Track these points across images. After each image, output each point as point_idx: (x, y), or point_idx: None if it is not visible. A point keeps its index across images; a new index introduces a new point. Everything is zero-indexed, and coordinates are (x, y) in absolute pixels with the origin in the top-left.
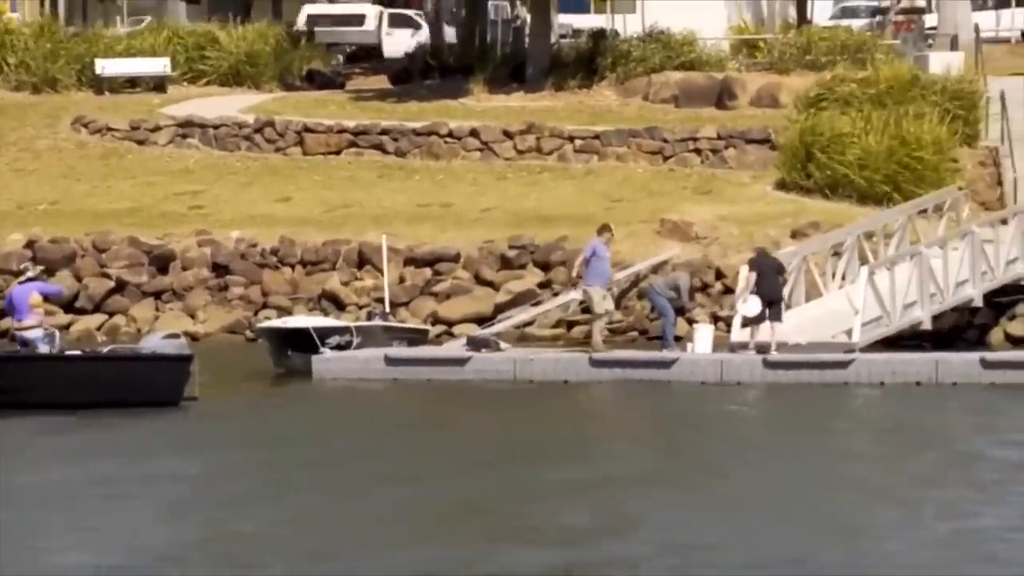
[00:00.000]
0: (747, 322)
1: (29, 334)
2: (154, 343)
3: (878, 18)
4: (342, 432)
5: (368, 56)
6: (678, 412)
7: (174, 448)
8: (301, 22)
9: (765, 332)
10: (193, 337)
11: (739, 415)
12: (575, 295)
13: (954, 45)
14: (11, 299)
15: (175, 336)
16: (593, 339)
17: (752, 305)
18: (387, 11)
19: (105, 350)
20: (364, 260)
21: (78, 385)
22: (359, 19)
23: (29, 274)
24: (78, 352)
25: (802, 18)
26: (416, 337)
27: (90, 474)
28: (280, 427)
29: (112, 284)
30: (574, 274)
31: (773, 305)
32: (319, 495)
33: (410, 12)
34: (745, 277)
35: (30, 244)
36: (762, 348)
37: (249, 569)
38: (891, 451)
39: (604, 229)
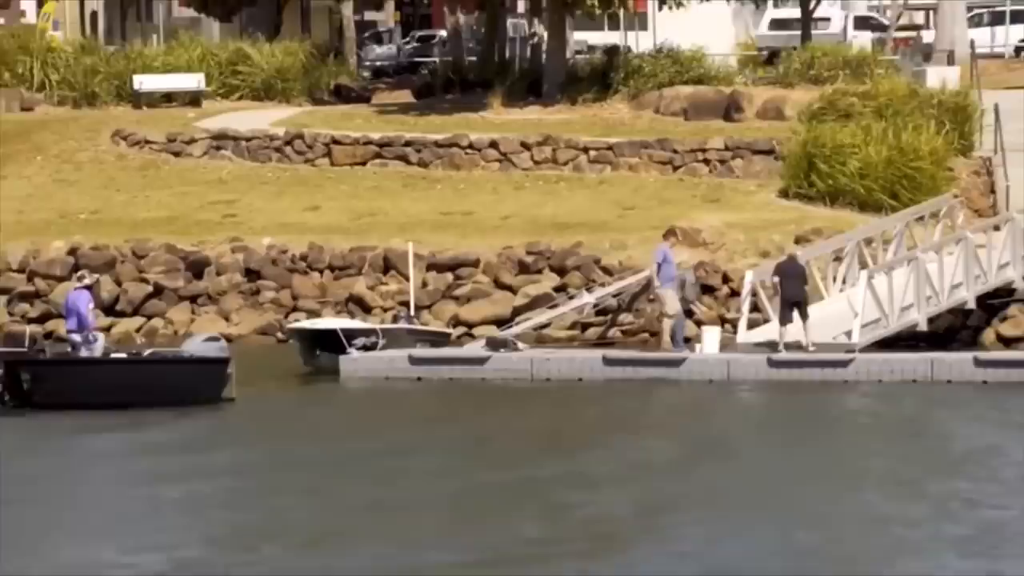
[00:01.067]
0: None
1: (74, 337)
2: (195, 345)
3: (878, 35)
4: (378, 428)
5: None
6: (690, 407)
7: (220, 445)
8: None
9: (797, 331)
10: (227, 339)
11: (749, 410)
12: (588, 299)
13: (950, 60)
14: (66, 303)
15: (215, 339)
16: (663, 338)
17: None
18: None
19: (146, 353)
20: (389, 265)
21: (121, 387)
22: None
23: (86, 281)
24: (123, 355)
25: (806, 34)
26: (438, 339)
27: (150, 470)
28: (316, 423)
29: (150, 289)
30: (649, 273)
31: (799, 306)
32: (374, 487)
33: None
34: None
35: (73, 251)
36: (795, 347)
37: (331, 554)
38: (901, 444)
39: (669, 234)
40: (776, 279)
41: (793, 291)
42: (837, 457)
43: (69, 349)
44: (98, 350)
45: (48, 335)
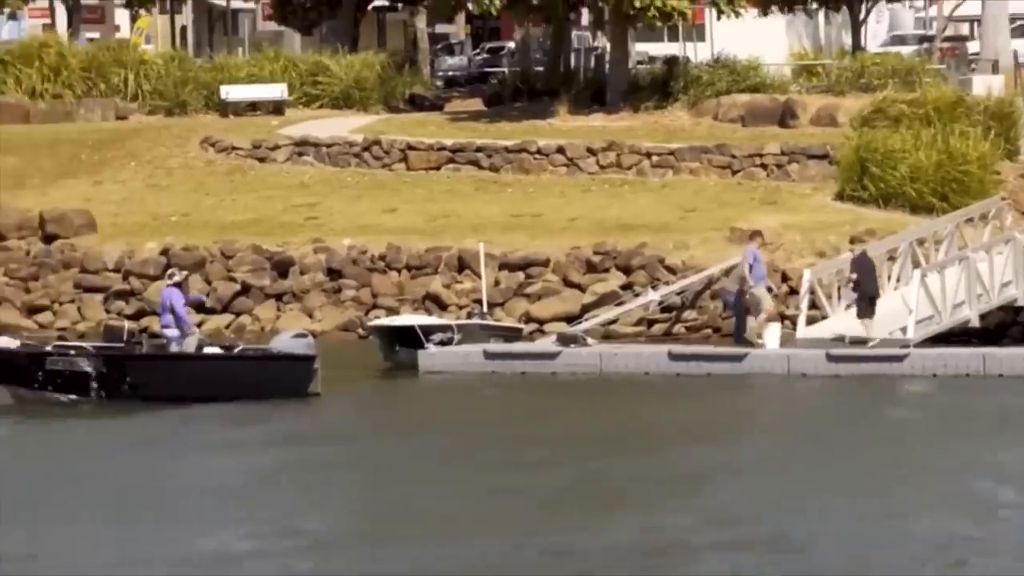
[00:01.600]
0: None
1: (168, 332)
2: (283, 342)
3: (925, 45)
4: (477, 419)
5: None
6: (759, 401)
7: (325, 438)
8: None
9: (857, 326)
10: (311, 335)
11: (817, 404)
12: (653, 296)
13: (995, 69)
14: (160, 300)
15: (303, 335)
16: (753, 333)
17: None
18: None
19: (236, 349)
20: (463, 265)
21: (213, 381)
22: None
23: (176, 278)
24: (216, 350)
25: (856, 45)
26: (511, 334)
27: (256, 463)
28: (414, 415)
29: (238, 287)
30: (741, 273)
31: (873, 300)
32: (499, 477)
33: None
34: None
35: (165, 252)
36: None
37: (484, 541)
38: (964, 436)
39: (755, 235)
40: (855, 275)
41: (871, 286)
42: (977, 450)
43: (164, 343)
44: (191, 345)
45: (143, 331)
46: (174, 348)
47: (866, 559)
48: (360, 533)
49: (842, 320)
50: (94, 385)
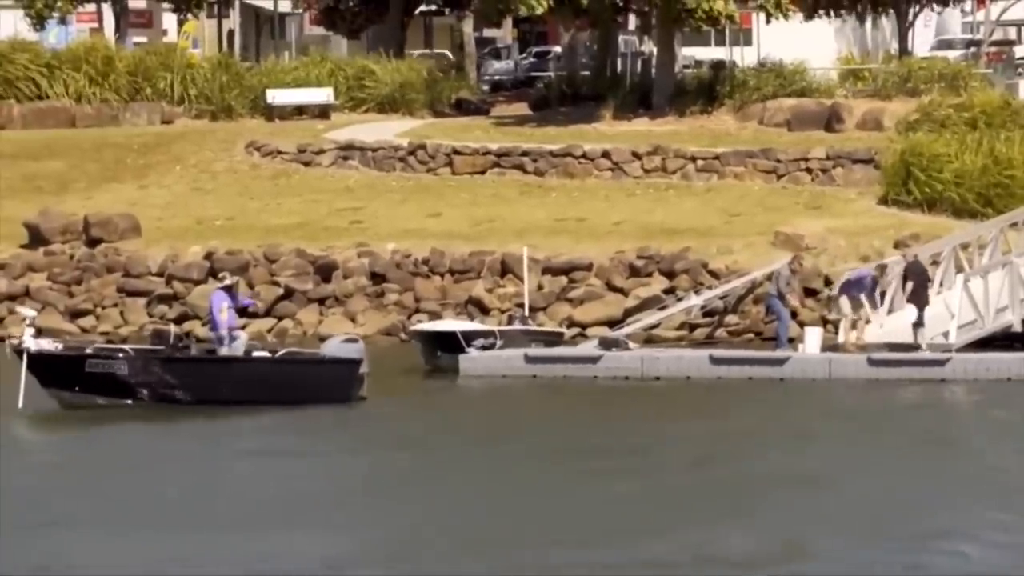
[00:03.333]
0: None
1: (215, 336)
2: (333, 346)
3: (972, 50)
4: (544, 424)
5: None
6: (814, 406)
7: (378, 444)
8: None
9: (905, 331)
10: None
11: (859, 407)
12: (696, 300)
13: None
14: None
15: (353, 340)
16: (847, 339)
17: (911, 313)
18: None
19: (281, 352)
20: (506, 269)
21: (258, 385)
22: None
23: (227, 282)
24: (265, 354)
25: (903, 50)
26: (552, 339)
27: (330, 464)
28: (461, 422)
29: (281, 291)
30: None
31: (923, 307)
32: (602, 483)
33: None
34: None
35: (208, 256)
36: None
37: (630, 546)
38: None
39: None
40: (911, 284)
41: (925, 295)
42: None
43: (212, 347)
44: (239, 348)
45: (186, 334)
46: (223, 352)
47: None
48: (491, 538)
49: (885, 324)
50: (137, 389)
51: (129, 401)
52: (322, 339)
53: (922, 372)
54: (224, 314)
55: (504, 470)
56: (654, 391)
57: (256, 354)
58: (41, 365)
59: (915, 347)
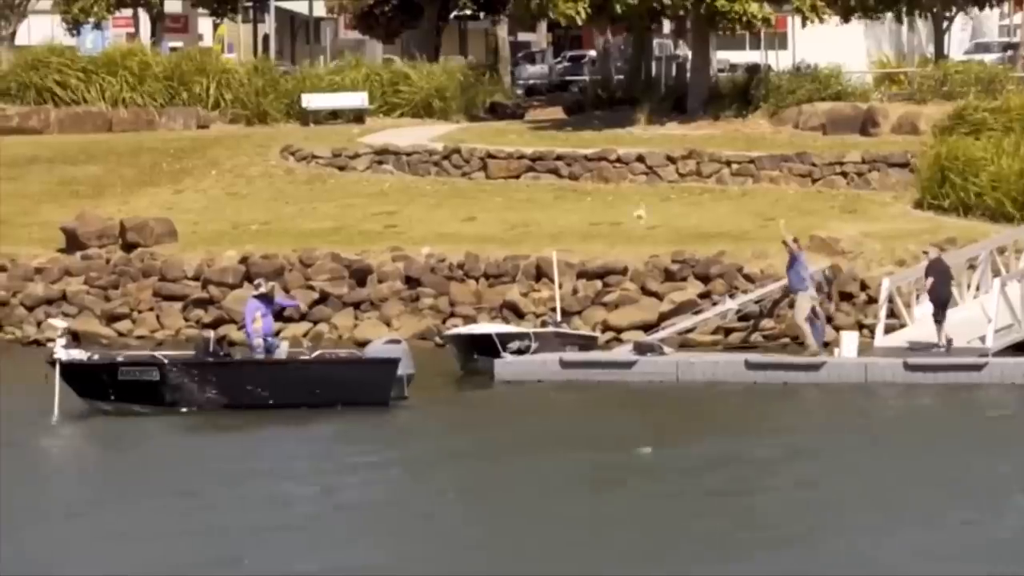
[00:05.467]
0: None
1: (253, 341)
2: (376, 348)
3: (1009, 53)
4: (563, 434)
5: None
6: (855, 410)
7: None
8: None
9: (932, 333)
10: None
11: (912, 412)
12: (731, 305)
13: None
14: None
15: (396, 342)
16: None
17: (930, 310)
18: None
19: (313, 355)
20: (541, 273)
21: (296, 387)
22: None
23: (262, 289)
24: (306, 357)
25: (939, 53)
26: (586, 343)
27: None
28: (493, 430)
29: (316, 295)
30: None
31: (945, 306)
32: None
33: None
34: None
35: (244, 260)
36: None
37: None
38: None
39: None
40: (931, 280)
41: (944, 291)
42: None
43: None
44: (282, 353)
45: (221, 339)
46: (258, 355)
47: None
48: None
49: (921, 328)
50: (172, 395)
51: (165, 408)
52: (357, 343)
53: (959, 377)
54: (258, 323)
55: (549, 478)
56: (689, 396)
57: (292, 358)
58: (75, 375)
59: (937, 346)
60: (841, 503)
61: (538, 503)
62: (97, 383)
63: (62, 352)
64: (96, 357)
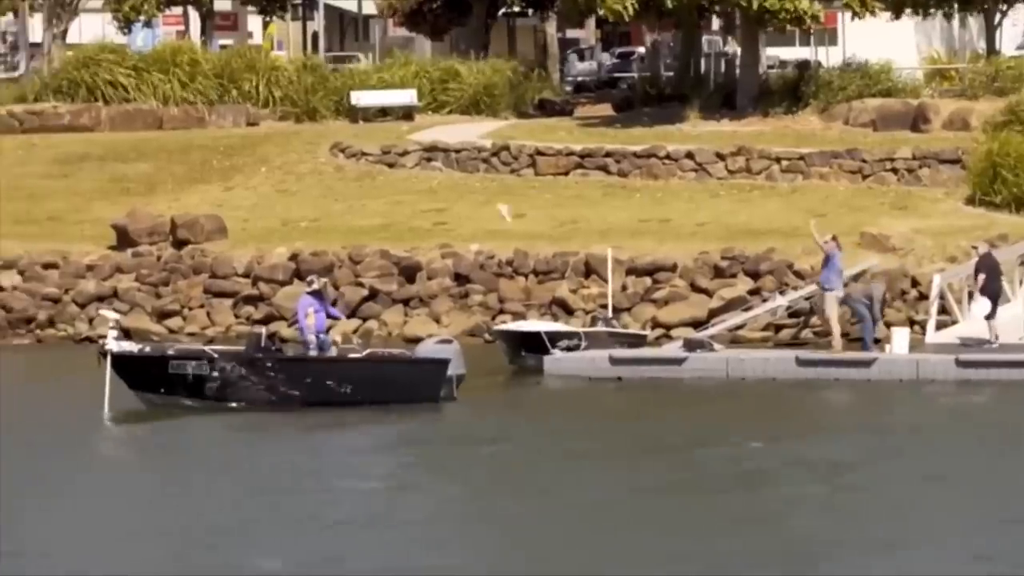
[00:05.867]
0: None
1: (306, 338)
2: (428, 347)
3: None
4: (619, 431)
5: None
6: (914, 407)
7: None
8: None
9: (982, 329)
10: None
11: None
12: (781, 301)
13: None
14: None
15: (447, 341)
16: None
17: (983, 306)
18: None
19: (363, 353)
20: (590, 270)
21: (345, 385)
22: None
23: (315, 286)
24: (359, 355)
25: (990, 49)
26: (635, 340)
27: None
28: (547, 428)
29: (366, 292)
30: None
31: (995, 301)
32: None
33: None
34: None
35: (293, 257)
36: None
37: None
38: None
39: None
40: (983, 276)
41: (995, 286)
42: None
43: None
44: (333, 351)
45: (271, 336)
46: (312, 353)
47: None
48: None
49: (972, 325)
50: (222, 390)
51: (214, 403)
52: (407, 340)
53: (1010, 374)
54: (311, 319)
55: (610, 476)
56: (741, 393)
57: (344, 356)
58: (126, 367)
59: (988, 343)
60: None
61: (650, 506)
62: (147, 375)
63: (113, 343)
64: (147, 349)
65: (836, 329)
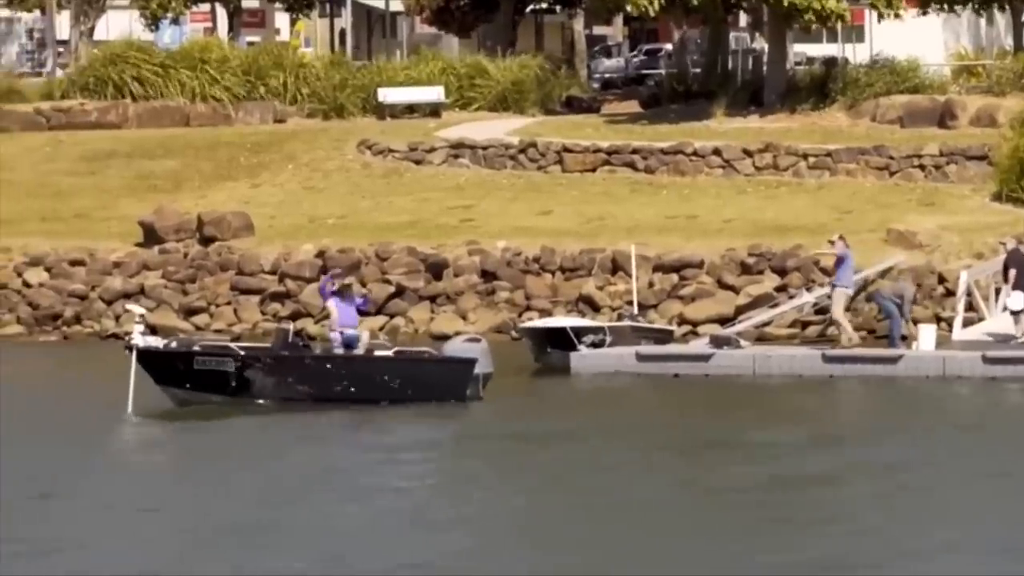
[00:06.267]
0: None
1: (332, 336)
2: (456, 346)
3: None
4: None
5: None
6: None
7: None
8: None
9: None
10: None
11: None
12: (808, 298)
13: None
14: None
15: (476, 340)
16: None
17: (1016, 299)
18: None
19: (391, 352)
20: (617, 267)
21: (371, 383)
22: None
23: (336, 286)
24: (387, 354)
25: (1018, 45)
26: (662, 336)
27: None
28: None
29: (392, 289)
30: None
31: None
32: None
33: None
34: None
35: (321, 254)
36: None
37: None
38: None
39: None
40: (1013, 272)
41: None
42: None
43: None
44: (360, 349)
45: (298, 332)
46: (337, 351)
47: None
48: None
49: (999, 322)
50: (248, 386)
51: (240, 399)
52: (434, 337)
53: None
54: (334, 312)
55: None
56: (768, 390)
57: (378, 353)
58: (152, 362)
59: (1015, 339)
60: None
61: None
62: (173, 370)
63: (139, 338)
64: (173, 344)
65: (846, 324)
